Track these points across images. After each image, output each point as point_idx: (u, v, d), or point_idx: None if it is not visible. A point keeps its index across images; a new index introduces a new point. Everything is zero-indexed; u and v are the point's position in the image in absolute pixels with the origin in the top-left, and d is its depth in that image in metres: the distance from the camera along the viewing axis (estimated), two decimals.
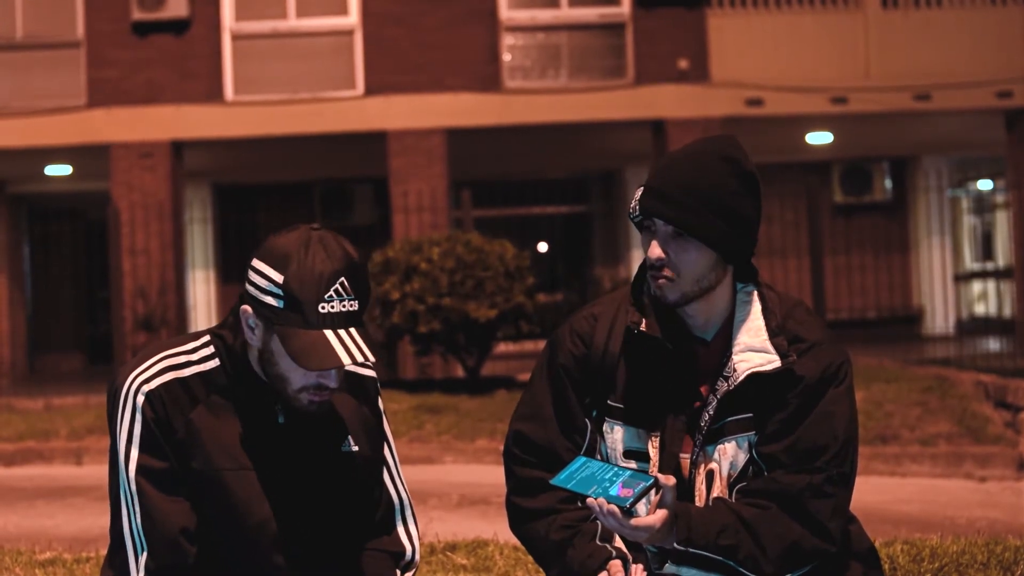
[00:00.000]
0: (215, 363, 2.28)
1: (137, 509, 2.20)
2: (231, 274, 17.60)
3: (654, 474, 2.25)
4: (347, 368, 2.31)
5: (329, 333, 2.13)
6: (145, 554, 2.19)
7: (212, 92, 14.44)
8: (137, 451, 2.21)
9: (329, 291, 2.13)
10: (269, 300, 2.16)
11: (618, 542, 2.37)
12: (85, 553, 4.73)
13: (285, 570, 2.26)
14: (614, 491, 2.14)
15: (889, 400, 9.73)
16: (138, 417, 2.21)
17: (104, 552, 4.14)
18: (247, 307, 2.20)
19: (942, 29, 14.83)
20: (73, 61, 14.49)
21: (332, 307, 2.14)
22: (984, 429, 9.11)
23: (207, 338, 2.31)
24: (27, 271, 18.09)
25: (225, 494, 2.22)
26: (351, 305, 2.16)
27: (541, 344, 2.82)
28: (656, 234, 2.33)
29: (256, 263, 2.19)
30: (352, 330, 2.16)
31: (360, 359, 2.13)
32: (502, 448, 2.57)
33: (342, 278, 2.15)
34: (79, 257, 18.44)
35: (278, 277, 2.14)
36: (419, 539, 2.49)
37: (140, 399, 2.21)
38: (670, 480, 2.18)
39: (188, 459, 2.22)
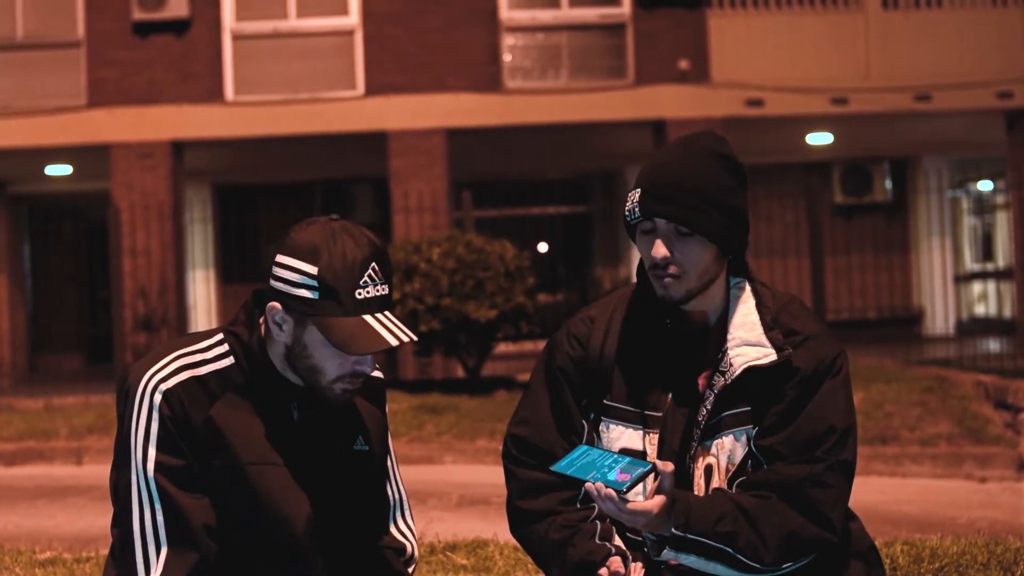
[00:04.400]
0: (230, 361, 2.28)
1: (158, 507, 2.19)
2: (231, 274, 17.61)
3: (652, 460, 2.27)
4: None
5: (368, 318, 2.18)
6: (165, 552, 2.19)
7: (212, 92, 14.45)
8: (155, 450, 2.20)
9: (363, 277, 2.18)
10: (303, 293, 2.18)
11: (618, 540, 2.38)
12: (85, 553, 4.74)
13: (307, 565, 2.28)
14: (612, 476, 2.17)
15: (889, 400, 9.73)
16: (155, 416, 2.21)
17: (104, 552, 4.15)
18: (275, 304, 2.22)
19: (942, 30, 14.84)
20: (73, 61, 14.50)
21: (367, 292, 2.18)
22: (984, 430, 9.11)
23: (220, 336, 2.32)
24: (27, 271, 18.10)
25: (248, 489, 2.23)
26: (383, 289, 2.21)
27: (541, 344, 2.85)
28: (658, 234, 2.35)
29: (283, 259, 2.21)
30: (387, 313, 2.21)
31: (405, 339, 2.18)
32: (501, 450, 2.58)
33: (373, 263, 2.19)
34: (79, 257, 18.45)
35: (311, 269, 2.17)
36: (416, 536, 2.52)
37: (157, 398, 2.21)
38: (668, 466, 2.19)
39: (208, 456, 2.22)
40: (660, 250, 2.34)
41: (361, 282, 2.18)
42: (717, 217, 2.32)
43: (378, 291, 2.20)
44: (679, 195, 2.32)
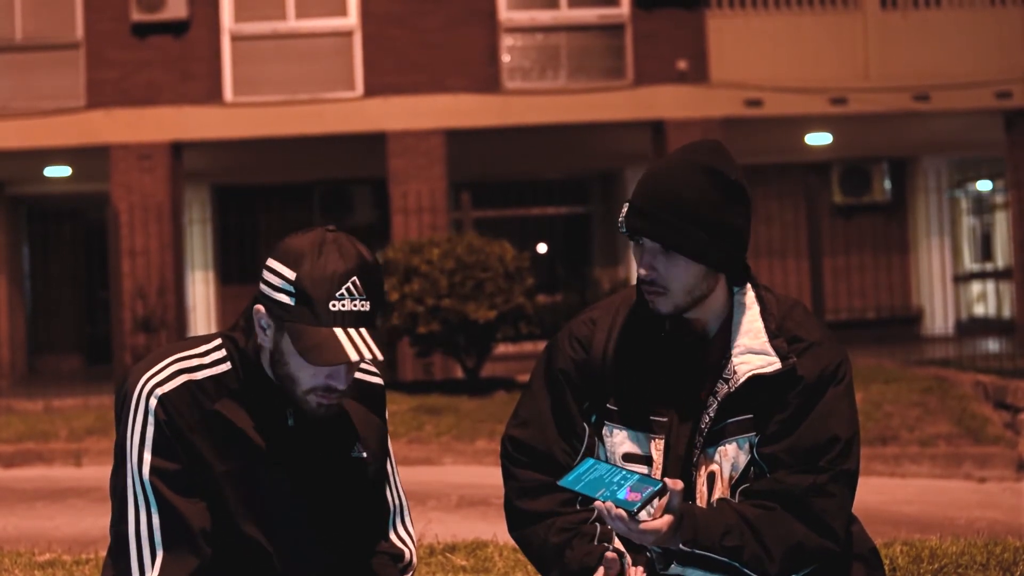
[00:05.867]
0: (227, 366, 2.28)
1: (154, 511, 2.19)
2: (230, 275, 17.60)
3: (662, 478, 2.25)
4: (356, 369, 2.34)
5: (339, 331, 2.15)
6: (161, 556, 2.18)
7: (211, 93, 14.45)
8: (150, 454, 2.21)
9: (340, 289, 2.15)
10: (281, 297, 2.17)
11: (617, 543, 2.37)
12: (84, 555, 4.74)
13: (296, 571, 2.27)
14: (622, 495, 2.15)
15: (889, 401, 9.73)
16: (151, 420, 2.21)
17: (104, 554, 4.14)
18: (260, 307, 2.22)
19: (941, 29, 14.84)
20: (72, 62, 14.49)
21: (343, 305, 2.15)
22: (983, 430, 9.11)
23: (219, 341, 2.31)
24: (26, 272, 18.09)
25: (238, 495, 2.23)
26: (362, 305, 2.17)
27: (541, 345, 2.84)
28: (644, 250, 2.34)
29: (271, 262, 2.21)
30: (362, 330, 2.17)
31: (368, 356, 2.14)
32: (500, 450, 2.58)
33: (354, 277, 2.16)
34: (78, 258, 18.44)
35: (290, 274, 2.16)
36: (415, 542, 2.51)
37: (153, 402, 2.22)
38: (678, 484, 2.19)
39: (201, 461, 2.22)
40: (643, 267, 2.33)
41: (337, 294, 2.15)
42: (700, 236, 2.28)
43: (355, 306, 2.16)
44: (661, 214, 2.28)
